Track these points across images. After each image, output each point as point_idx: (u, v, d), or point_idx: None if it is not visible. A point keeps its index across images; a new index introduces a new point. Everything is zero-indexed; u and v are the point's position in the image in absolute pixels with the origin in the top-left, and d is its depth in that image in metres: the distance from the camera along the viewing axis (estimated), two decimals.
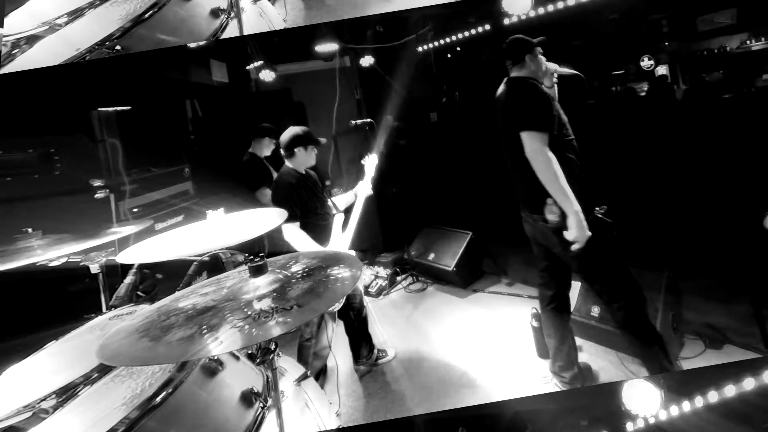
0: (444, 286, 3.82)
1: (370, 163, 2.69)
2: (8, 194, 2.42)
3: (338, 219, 2.56)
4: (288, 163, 2.51)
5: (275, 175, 2.60)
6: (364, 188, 2.66)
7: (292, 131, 2.48)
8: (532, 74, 2.12)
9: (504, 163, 2.21)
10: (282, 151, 2.51)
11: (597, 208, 2.06)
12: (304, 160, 2.50)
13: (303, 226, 2.38)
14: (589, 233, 1.92)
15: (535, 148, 1.92)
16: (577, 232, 1.90)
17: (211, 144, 3.99)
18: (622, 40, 4.30)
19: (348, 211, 2.63)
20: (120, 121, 2.95)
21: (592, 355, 2.56)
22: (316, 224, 2.46)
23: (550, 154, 1.91)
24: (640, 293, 2.08)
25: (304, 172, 2.52)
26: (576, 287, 2.58)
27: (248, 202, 3.09)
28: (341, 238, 2.53)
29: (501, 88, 2.20)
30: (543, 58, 2.15)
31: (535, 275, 2.41)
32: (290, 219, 2.22)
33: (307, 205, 2.43)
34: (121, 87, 3.01)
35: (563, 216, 1.93)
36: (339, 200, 2.66)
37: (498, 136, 2.21)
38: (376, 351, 2.84)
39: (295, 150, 2.46)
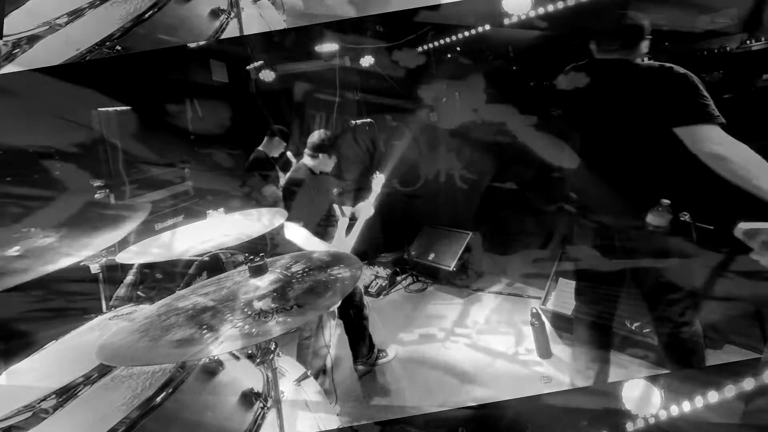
0: (444, 286, 3.82)
1: (377, 182, 2.67)
2: (8, 194, 2.43)
3: (342, 223, 2.57)
4: (307, 160, 2.53)
5: (281, 175, 2.61)
6: (366, 209, 2.64)
7: (321, 135, 2.52)
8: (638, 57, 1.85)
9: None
10: (307, 150, 2.54)
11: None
12: (323, 165, 2.54)
13: (306, 226, 2.38)
14: None
15: (729, 141, 1.69)
16: None
17: (211, 144, 3.99)
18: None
19: (352, 219, 2.64)
20: (120, 121, 2.96)
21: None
22: (320, 226, 2.47)
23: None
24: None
25: (318, 173, 2.54)
26: (572, 286, 2.55)
27: (250, 200, 3.11)
28: (343, 242, 2.54)
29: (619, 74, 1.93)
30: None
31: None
32: (294, 217, 2.23)
33: (314, 205, 2.44)
34: (121, 87, 3.02)
35: (671, 221, 1.75)
36: (345, 209, 2.67)
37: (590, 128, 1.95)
38: (376, 351, 2.84)
39: (319, 155, 2.50)
